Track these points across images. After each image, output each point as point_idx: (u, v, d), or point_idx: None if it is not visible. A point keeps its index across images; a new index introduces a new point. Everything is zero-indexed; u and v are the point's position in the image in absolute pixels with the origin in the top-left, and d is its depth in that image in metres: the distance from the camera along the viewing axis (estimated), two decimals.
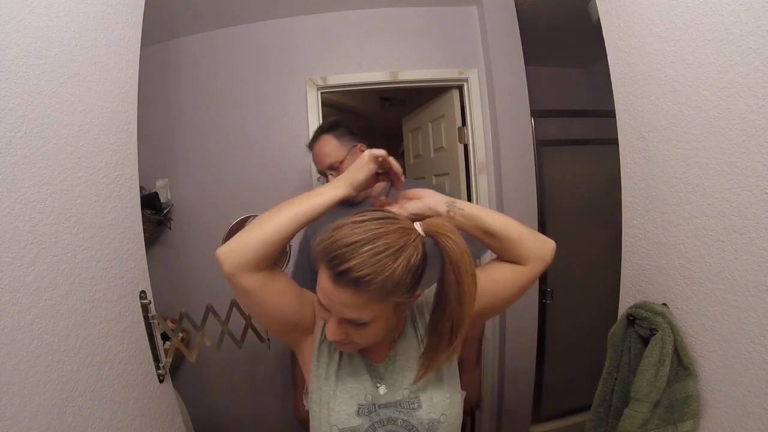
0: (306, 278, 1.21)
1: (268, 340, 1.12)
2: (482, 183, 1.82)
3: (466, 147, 1.89)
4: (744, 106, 0.66)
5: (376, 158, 0.69)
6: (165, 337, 1.05)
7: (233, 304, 1.04)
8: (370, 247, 0.54)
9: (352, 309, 0.56)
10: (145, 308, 0.93)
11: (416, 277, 0.58)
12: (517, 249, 0.68)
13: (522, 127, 1.78)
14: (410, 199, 0.70)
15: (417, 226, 0.59)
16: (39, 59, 0.70)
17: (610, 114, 1.00)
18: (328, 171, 1.23)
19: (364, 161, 0.69)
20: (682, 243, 0.81)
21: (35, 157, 0.68)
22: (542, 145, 1.87)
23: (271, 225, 0.64)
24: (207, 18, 1.74)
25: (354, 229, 0.56)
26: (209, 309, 1.03)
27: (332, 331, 0.60)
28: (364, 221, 0.57)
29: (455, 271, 0.56)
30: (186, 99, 1.83)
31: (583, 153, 2.02)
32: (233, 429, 1.86)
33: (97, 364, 0.78)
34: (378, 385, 0.69)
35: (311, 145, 1.28)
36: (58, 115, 0.73)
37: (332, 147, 1.23)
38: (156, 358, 0.95)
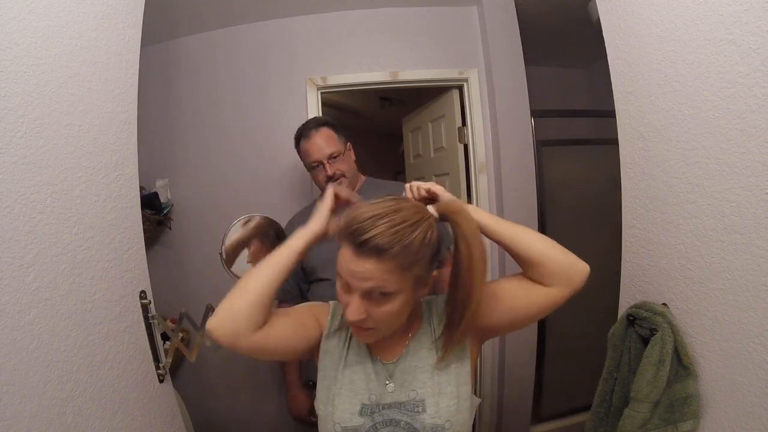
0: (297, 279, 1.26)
1: None
2: (482, 183, 1.82)
3: (466, 147, 1.90)
4: (744, 106, 0.66)
5: (336, 195, 0.73)
6: (165, 337, 1.05)
7: None
8: (388, 219, 0.58)
9: (376, 278, 0.58)
10: (145, 308, 0.93)
11: (433, 252, 0.62)
12: (540, 269, 0.66)
13: (522, 127, 1.78)
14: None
15: (431, 209, 0.64)
16: (39, 59, 0.70)
17: (610, 114, 1.00)
18: (327, 160, 1.23)
19: (327, 197, 0.73)
20: (682, 243, 0.81)
21: (35, 157, 0.68)
22: (542, 145, 1.86)
23: (255, 285, 0.64)
24: (207, 18, 1.74)
25: (371, 205, 0.61)
26: (209, 309, 1.03)
27: (354, 309, 0.60)
28: (380, 200, 0.62)
29: (467, 245, 0.59)
30: (186, 99, 1.83)
31: (583, 153, 2.02)
32: (233, 429, 1.85)
33: (97, 364, 0.78)
34: (387, 382, 0.69)
35: (308, 133, 1.27)
36: (58, 115, 0.73)
37: (333, 138, 1.27)
38: (156, 358, 0.95)
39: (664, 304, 0.85)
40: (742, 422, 0.71)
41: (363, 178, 1.37)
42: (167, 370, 0.98)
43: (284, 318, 0.70)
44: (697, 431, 0.79)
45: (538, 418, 1.99)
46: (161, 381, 0.96)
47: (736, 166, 0.69)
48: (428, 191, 0.70)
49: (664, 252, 0.86)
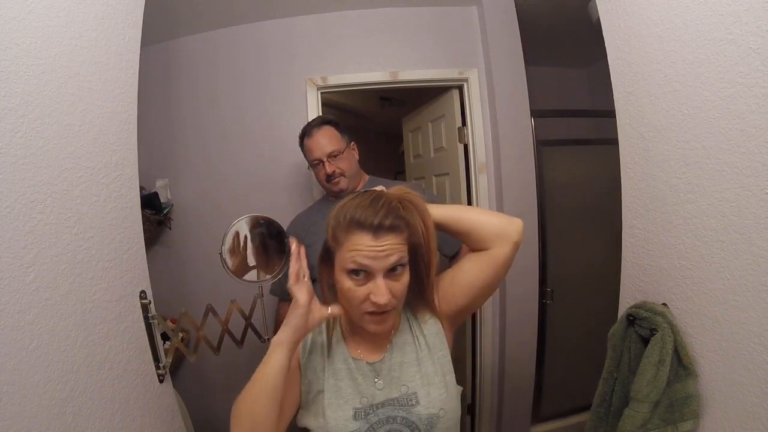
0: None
1: (268, 340, 1.12)
2: (482, 183, 1.82)
3: (466, 147, 1.89)
4: (744, 106, 0.66)
5: (296, 279, 0.67)
6: (165, 337, 1.05)
7: (233, 304, 1.04)
8: (382, 201, 0.65)
9: (397, 251, 0.64)
10: (145, 308, 0.93)
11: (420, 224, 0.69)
12: (475, 235, 0.72)
13: (522, 127, 1.78)
14: None
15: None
16: (39, 59, 0.70)
17: (610, 114, 1.00)
18: (328, 158, 1.25)
19: (295, 302, 0.66)
20: (682, 243, 0.81)
21: (35, 157, 0.68)
22: (542, 145, 1.86)
23: (251, 412, 0.64)
24: (207, 18, 1.74)
25: (356, 199, 0.67)
26: (209, 309, 1.03)
27: (384, 291, 0.63)
28: (357, 195, 0.69)
29: (421, 217, 0.67)
30: (186, 99, 1.83)
31: (583, 153, 2.02)
32: None
33: (97, 364, 0.78)
34: (376, 380, 0.70)
35: (310, 131, 1.29)
36: (58, 115, 0.73)
37: (335, 137, 1.28)
38: (156, 358, 0.95)
39: (664, 304, 0.85)
40: (742, 422, 0.71)
41: (367, 177, 1.38)
42: (167, 370, 0.98)
43: (290, 392, 0.71)
44: (697, 431, 0.79)
45: (538, 418, 1.99)
46: (161, 381, 0.96)
47: (736, 166, 0.69)
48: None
49: (664, 252, 0.86)
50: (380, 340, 0.74)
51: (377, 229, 0.63)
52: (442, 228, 0.74)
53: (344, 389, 0.69)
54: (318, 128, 1.29)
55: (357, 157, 1.35)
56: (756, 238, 0.66)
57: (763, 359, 0.67)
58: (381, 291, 0.63)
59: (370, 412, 0.67)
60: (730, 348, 0.72)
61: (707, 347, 0.77)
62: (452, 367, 0.73)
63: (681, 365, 0.80)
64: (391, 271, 0.64)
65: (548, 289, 1.89)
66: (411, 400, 0.68)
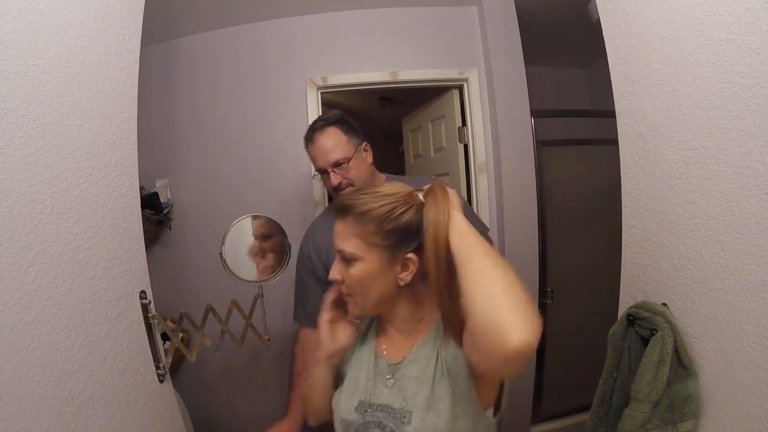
0: (310, 289, 1.16)
1: (268, 340, 1.11)
2: (482, 183, 1.82)
3: (466, 147, 1.89)
4: (744, 106, 0.66)
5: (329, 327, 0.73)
6: (165, 337, 1.05)
7: (233, 304, 1.04)
8: (365, 191, 0.65)
9: (340, 238, 0.65)
10: (145, 308, 0.93)
11: (397, 228, 0.62)
12: (467, 302, 0.51)
13: (522, 127, 1.78)
14: None
15: (421, 195, 0.64)
16: (39, 59, 0.70)
17: (610, 114, 1.00)
18: (332, 168, 1.09)
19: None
20: (682, 243, 0.81)
21: (35, 157, 0.68)
22: (542, 145, 1.86)
23: (307, 402, 0.79)
24: (207, 18, 1.74)
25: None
26: (209, 309, 1.03)
27: (334, 269, 0.67)
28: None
29: (427, 235, 0.58)
30: (186, 99, 1.83)
31: (583, 153, 2.02)
32: (233, 429, 1.85)
33: (97, 364, 0.78)
34: (388, 377, 0.69)
35: (312, 136, 1.12)
36: (58, 115, 0.73)
37: (341, 141, 1.10)
38: (156, 358, 0.95)
39: (664, 304, 0.85)
40: (742, 422, 0.71)
41: (383, 177, 1.23)
42: (167, 370, 0.98)
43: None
44: (697, 431, 0.79)
45: (538, 418, 1.99)
46: (161, 381, 0.96)
47: (736, 166, 0.69)
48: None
49: (664, 252, 0.86)
50: (403, 343, 0.71)
51: (337, 211, 0.66)
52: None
53: (359, 380, 0.71)
54: (321, 132, 1.11)
55: (370, 159, 1.17)
56: (756, 238, 0.66)
57: (763, 359, 0.67)
58: (333, 268, 0.67)
59: (368, 409, 0.68)
60: (730, 348, 0.72)
61: (707, 347, 0.77)
62: (474, 397, 0.63)
63: (681, 365, 0.80)
64: (344, 258, 0.65)
65: (548, 289, 1.89)
66: (405, 417, 0.64)
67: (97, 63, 0.83)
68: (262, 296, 1.07)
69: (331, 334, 0.72)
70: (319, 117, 1.19)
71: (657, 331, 0.80)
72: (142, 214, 1.01)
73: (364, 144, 1.16)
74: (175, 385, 1.05)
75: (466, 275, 0.52)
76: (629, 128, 0.93)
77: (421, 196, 0.64)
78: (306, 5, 1.76)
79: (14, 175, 0.64)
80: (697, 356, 0.79)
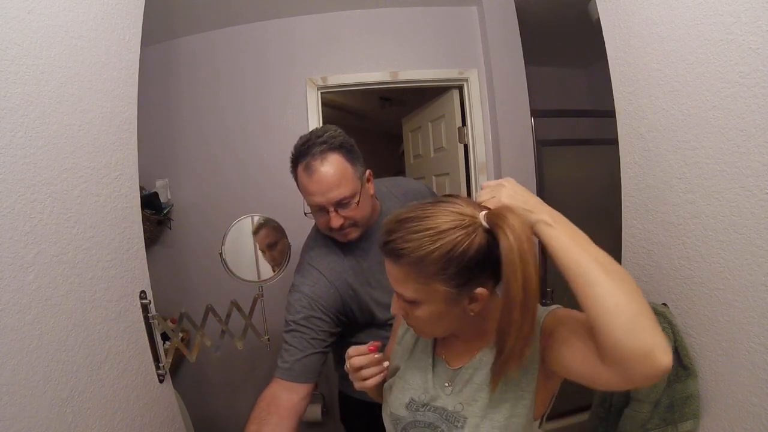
0: (305, 342, 0.90)
1: (268, 340, 1.11)
2: (482, 183, 1.82)
3: (466, 147, 1.90)
4: (744, 106, 0.66)
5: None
6: (165, 337, 1.05)
7: (233, 304, 1.04)
8: (413, 224, 0.54)
9: (396, 282, 0.58)
10: (145, 308, 0.93)
11: (462, 267, 0.53)
12: (596, 334, 0.47)
13: (522, 127, 1.79)
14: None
15: (481, 216, 0.54)
16: (39, 59, 0.70)
17: (610, 114, 1.00)
18: (335, 208, 0.86)
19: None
20: (682, 243, 0.81)
21: (35, 157, 0.68)
22: (542, 145, 1.86)
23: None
24: (207, 18, 1.74)
25: (411, 207, 0.57)
26: (209, 309, 1.03)
27: (393, 305, 0.63)
28: (425, 203, 0.57)
29: (507, 272, 0.50)
30: (186, 99, 1.83)
31: (583, 153, 2.02)
32: (233, 429, 1.85)
33: (97, 364, 0.78)
34: (447, 384, 0.67)
35: (309, 164, 0.86)
36: (58, 115, 0.73)
37: (346, 174, 0.86)
38: (156, 358, 0.95)
39: (664, 304, 0.85)
40: (742, 422, 0.71)
41: (378, 205, 1.01)
42: (167, 370, 0.98)
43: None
44: (697, 431, 0.79)
45: None
46: (161, 381, 0.96)
47: (736, 166, 0.69)
48: (481, 203, 0.58)
49: (664, 252, 0.86)
50: (466, 348, 0.67)
51: (383, 247, 0.58)
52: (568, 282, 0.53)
53: (413, 378, 0.70)
54: (321, 160, 0.85)
55: (372, 190, 0.96)
56: (756, 238, 0.66)
57: (763, 359, 0.67)
58: (393, 303, 0.64)
59: (422, 409, 0.66)
60: (730, 348, 0.72)
61: (707, 347, 0.77)
62: (530, 412, 0.61)
63: (681, 365, 0.80)
64: (405, 300, 0.60)
65: (548, 289, 1.89)
66: (459, 422, 0.62)
67: (97, 63, 0.83)
68: (262, 296, 1.08)
69: (359, 376, 0.69)
70: (314, 134, 0.90)
71: None
72: (142, 214, 1.01)
73: (367, 173, 0.93)
74: (175, 385, 1.05)
75: (591, 295, 0.49)
76: (629, 128, 0.93)
77: (481, 217, 0.54)
78: (306, 5, 1.76)
79: (14, 175, 0.64)
80: (697, 356, 0.79)
